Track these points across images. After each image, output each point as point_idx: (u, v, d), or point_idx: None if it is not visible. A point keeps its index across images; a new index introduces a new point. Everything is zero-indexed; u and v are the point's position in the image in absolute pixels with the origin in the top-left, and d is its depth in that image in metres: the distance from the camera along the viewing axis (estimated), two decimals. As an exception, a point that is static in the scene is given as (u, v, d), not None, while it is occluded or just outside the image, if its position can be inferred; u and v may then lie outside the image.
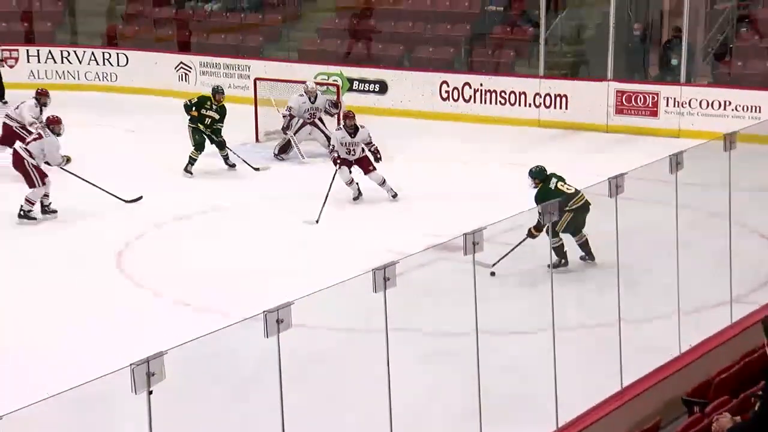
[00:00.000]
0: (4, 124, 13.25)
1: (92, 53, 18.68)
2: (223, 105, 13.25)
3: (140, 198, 11.65)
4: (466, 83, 16.37)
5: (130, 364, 4.54)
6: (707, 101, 14.98)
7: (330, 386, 7.23)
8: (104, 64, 18.62)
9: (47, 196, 11.30)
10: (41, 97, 13.35)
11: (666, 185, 7.17)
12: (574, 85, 15.89)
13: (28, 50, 18.66)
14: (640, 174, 7.01)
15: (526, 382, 7.20)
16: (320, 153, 13.81)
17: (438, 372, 7.50)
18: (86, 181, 11.56)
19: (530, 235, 9.27)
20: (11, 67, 17.86)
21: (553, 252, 8.97)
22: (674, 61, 15.59)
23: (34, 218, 11.24)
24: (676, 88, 15.23)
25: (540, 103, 15.87)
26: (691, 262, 7.56)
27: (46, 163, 11.33)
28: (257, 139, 14.81)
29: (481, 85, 16.27)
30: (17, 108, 13.28)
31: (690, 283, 7.34)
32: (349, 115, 12.11)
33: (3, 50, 17.41)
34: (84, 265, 9.99)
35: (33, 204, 11.20)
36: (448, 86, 16.48)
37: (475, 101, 16.28)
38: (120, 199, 11.59)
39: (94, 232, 10.93)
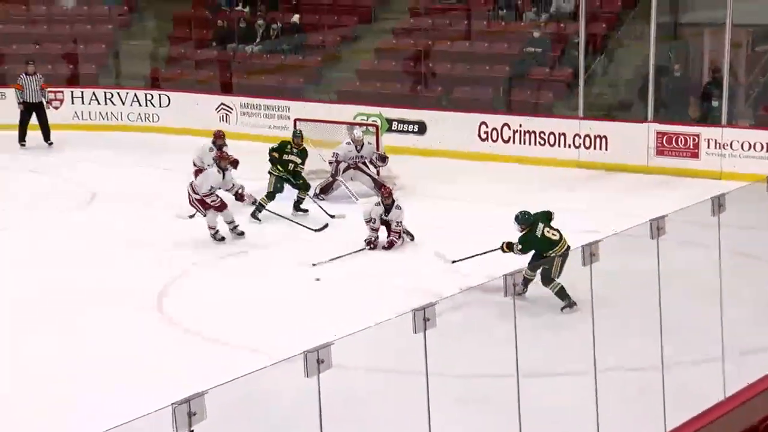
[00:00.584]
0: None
1: (135, 95, 18.99)
2: (304, 148, 13.44)
3: (326, 226, 11.99)
4: (505, 124, 16.42)
5: (172, 404, 4.58)
6: (749, 143, 14.90)
7: (368, 429, 7.21)
8: (147, 105, 18.90)
9: (232, 221, 11.99)
10: (217, 140, 13.59)
11: (708, 228, 7.13)
12: (615, 126, 15.87)
13: (72, 92, 18.99)
14: (682, 216, 6.98)
15: (567, 427, 7.14)
16: (366, 192, 13.90)
17: (477, 416, 7.46)
18: (276, 214, 12.14)
19: (502, 248, 9.91)
20: (56, 108, 18.19)
21: (557, 297, 9.42)
22: (715, 103, 15.54)
23: (222, 238, 11.93)
24: (717, 129, 15.17)
25: (580, 144, 15.86)
26: (733, 307, 7.49)
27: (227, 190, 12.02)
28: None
29: (521, 125, 16.30)
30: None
31: (733, 328, 7.27)
32: (387, 193, 11.94)
33: (49, 92, 17.73)
34: (124, 303, 10.07)
35: (212, 228, 11.89)
36: (486, 127, 16.52)
37: (514, 142, 16.31)
38: (309, 228, 11.86)
39: (136, 270, 11.03)
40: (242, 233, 12.15)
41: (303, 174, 13.41)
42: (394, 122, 17.14)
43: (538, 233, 9.75)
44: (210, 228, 11.96)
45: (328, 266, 11.18)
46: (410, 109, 17.28)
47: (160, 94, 18.87)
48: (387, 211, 11.72)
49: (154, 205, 13.26)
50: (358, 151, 14.00)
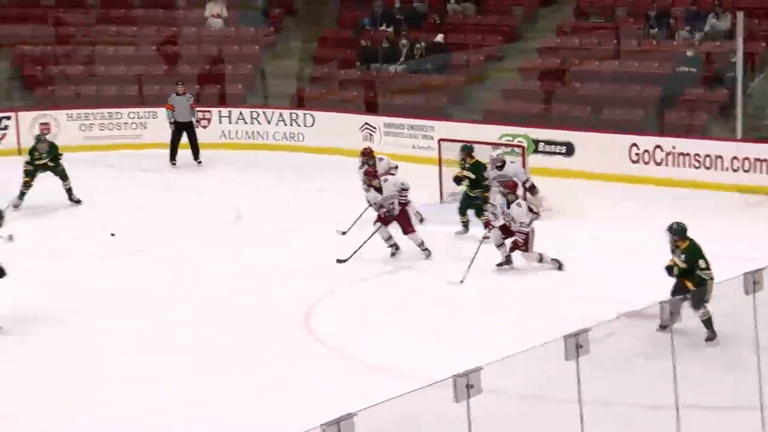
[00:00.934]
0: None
1: (280, 114, 19.42)
2: (477, 162, 13.51)
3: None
4: (658, 146, 16.06)
5: (321, 425, 4.63)
6: None
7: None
8: (292, 124, 19.29)
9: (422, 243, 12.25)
10: (363, 158, 13.81)
11: None
12: (777, 150, 15.32)
13: (220, 111, 19.56)
14: None
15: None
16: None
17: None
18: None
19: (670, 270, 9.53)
20: (204, 127, 18.76)
21: (703, 325, 9.15)
22: None
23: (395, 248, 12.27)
24: None
25: (738, 168, 15.37)
26: None
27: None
28: (441, 200, 14.94)
29: (674, 147, 15.93)
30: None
31: None
32: (510, 186, 12.27)
33: (198, 111, 18.28)
34: (272, 322, 10.25)
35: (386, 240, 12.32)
36: (638, 148, 16.21)
37: (666, 164, 15.95)
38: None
39: (282, 289, 11.22)
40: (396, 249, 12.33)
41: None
42: (540, 143, 17.00)
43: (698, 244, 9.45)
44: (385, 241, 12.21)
45: (478, 287, 11.13)
46: (557, 129, 17.11)
47: (305, 114, 19.25)
48: (508, 204, 11.95)
49: (297, 225, 13.47)
50: (500, 170, 13.90)
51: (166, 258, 12.56)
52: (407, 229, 12.30)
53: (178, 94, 17.83)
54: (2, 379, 9.02)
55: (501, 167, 13.80)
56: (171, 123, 17.73)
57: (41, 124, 18.85)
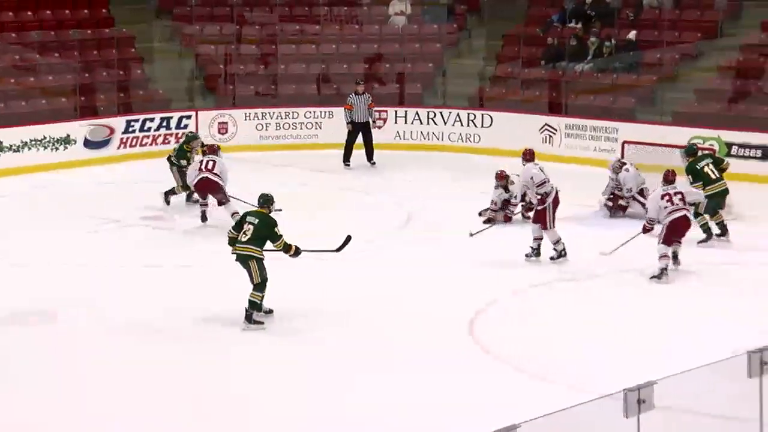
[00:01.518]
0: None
1: (458, 114, 19.44)
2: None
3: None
4: None
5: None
6: None
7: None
8: (468, 125, 19.28)
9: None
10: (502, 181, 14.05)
11: None
12: None
13: (396, 111, 19.76)
14: None
15: None
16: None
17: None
18: None
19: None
20: (379, 128, 18.95)
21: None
22: None
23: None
24: None
25: None
26: None
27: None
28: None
29: None
30: None
31: None
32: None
33: (375, 111, 18.48)
34: (436, 327, 10.24)
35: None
36: None
37: None
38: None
39: (447, 294, 11.23)
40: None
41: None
42: (734, 146, 16.38)
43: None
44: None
45: (654, 296, 10.88)
46: (753, 131, 16.45)
47: (482, 114, 19.18)
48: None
49: (462, 228, 13.41)
50: (615, 174, 14.09)
51: (331, 259, 12.73)
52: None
53: (357, 94, 18.07)
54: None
55: (617, 171, 14.04)
56: (348, 123, 17.99)
57: (219, 123, 19.55)
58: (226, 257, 10.32)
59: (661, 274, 11.37)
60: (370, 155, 18.11)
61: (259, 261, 10.06)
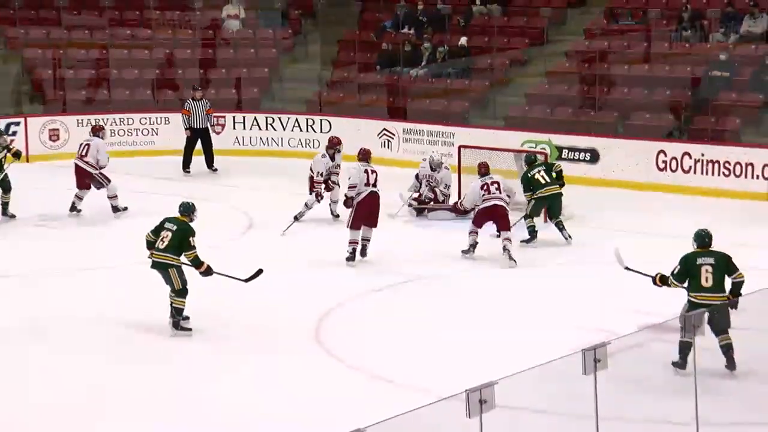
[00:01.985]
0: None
1: (296, 119, 19.49)
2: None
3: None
4: (686, 153, 16.03)
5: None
6: None
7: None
8: (308, 130, 19.37)
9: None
10: (335, 147, 14.59)
11: None
12: (811, 156, 15.26)
13: (234, 117, 19.65)
14: None
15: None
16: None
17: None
18: None
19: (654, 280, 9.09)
20: (218, 133, 18.80)
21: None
22: None
23: None
24: None
25: (770, 176, 15.34)
26: None
27: None
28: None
29: (703, 155, 15.90)
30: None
31: None
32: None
33: (213, 116, 18.30)
34: (282, 334, 10.28)
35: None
36: (665, 156, 16.19)
37: (695, 172, 15.91)
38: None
39: (292, 300, 11.26)
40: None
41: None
42: (564, 150, 16.99)
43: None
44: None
45: (495, 296, 11.22)
46: (582, 135, 17.11)
47: (321, 119, 19.31)
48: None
49: (306, 233, 13.50)
50: (433, 170, 14.68)
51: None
52: None
53: (194, 100, 17.87)
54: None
55: (437, 171, 14.63)
56: (186, 129, 17.76)
57: (50, 130, 19.01)
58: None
59: (468, 249, 12.55)
60: (210, 162, 17.93)
61: (178, 268, 9.99)
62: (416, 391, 8.48)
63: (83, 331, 10.32)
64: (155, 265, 10.06)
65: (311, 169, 14.45)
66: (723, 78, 17.14)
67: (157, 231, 10.09)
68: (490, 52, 19.75)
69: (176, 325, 10.12)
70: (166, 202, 15.70)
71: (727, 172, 15.67)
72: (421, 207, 14.75)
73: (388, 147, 18.44)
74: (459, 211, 13.72)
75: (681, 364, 8.16)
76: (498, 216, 12.46)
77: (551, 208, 13.51)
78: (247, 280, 10.36)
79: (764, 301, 8.33)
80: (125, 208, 14.89)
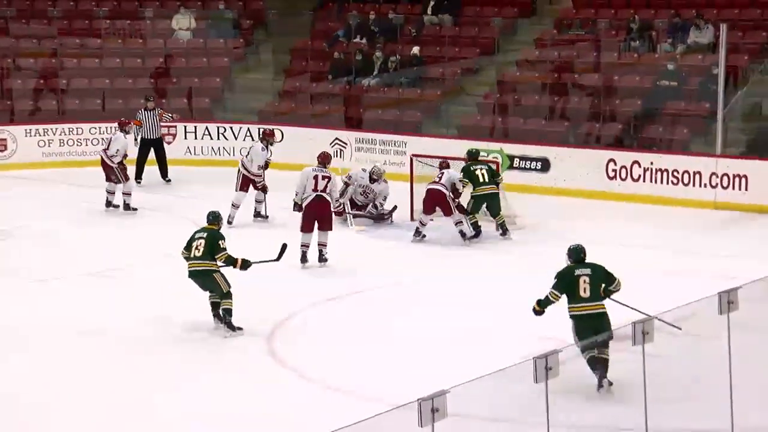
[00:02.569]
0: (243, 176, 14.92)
1: (248, 129, 19.43)
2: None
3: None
4: (635, 161, 16.21)
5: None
6: None
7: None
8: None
9: None
10: (270, 138, 15.21)
11: None
12: (756, 165, 15.49)
13: (186, 126, 19.54)
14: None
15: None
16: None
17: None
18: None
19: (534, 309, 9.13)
20: (169, 143, 18.67)
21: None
22: None
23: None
24: None
25: (717, 184, 15.52)
26: None
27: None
28: (412, 218, 14.96)
29: (652, 163, 16.08)
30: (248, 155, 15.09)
31: None
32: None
33: (162, 126, 18.15)
34: (233, 344, 10.24)
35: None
36: (615, 164, 16.35)
37: (644, 180, 16.09)
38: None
39: (245, 311, 11.21)
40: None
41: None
42: (516, 159, 17.10)
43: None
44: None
45: (450, 306, 11.23)
46: (533, 145, 17.23)
47: (273, 129, 19.21)
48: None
49: (260, 243, 13.41)
50: (370, 182, 14.84)
51: (126, 279, 12.55)
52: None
53: (147, 110, 17.73)
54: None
55: (376, 182, 14.79)
56: (136, 140, 17.61)
57: (-2, 139, 18.83)
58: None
59: (416, 234, 13.79)
60: (164, 172, 17.80)
61: (220, 273, 10.39)
62: (368, 401, 8.47)
63: (34, 339, 10.24)
64: (193, 274, 10.42)
65: (243, 165, 14.90)
66: (671, 87, 17.36)
67: (189, 245, 10.48)
68: (442, 62, 19.84)
69: (230, 326, 10.39)
70: (116, 212, 15.75)
71: (675, 181, 15.88)
72: (361, 214, 14.86)
73: (341, 156, 18.44)
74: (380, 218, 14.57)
75: (602, 381, 8.23)
76: (436, 200, 13.69)
77: (490, 207, 13.94)
78: (278, 259, 10.97)
79: (710, 309, 8.43)
80: (135, 209, 15.39)
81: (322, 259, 12.74)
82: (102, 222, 15.18)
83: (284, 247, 11.01)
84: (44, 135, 19.09)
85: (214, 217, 10.71)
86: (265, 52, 21.61)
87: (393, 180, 15.46)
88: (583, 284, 8.68)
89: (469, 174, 13.86)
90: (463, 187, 13.91)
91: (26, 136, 18.90)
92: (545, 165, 16.95)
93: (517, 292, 11.77)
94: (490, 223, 14.08)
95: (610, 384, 8.24)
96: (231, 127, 19.54)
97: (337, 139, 18.73)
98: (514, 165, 17.02)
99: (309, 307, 11.36)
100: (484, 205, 13.89)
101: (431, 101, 19.38)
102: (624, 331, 7.45)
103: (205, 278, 10.39)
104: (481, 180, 13.82)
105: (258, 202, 15.05)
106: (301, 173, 12.96)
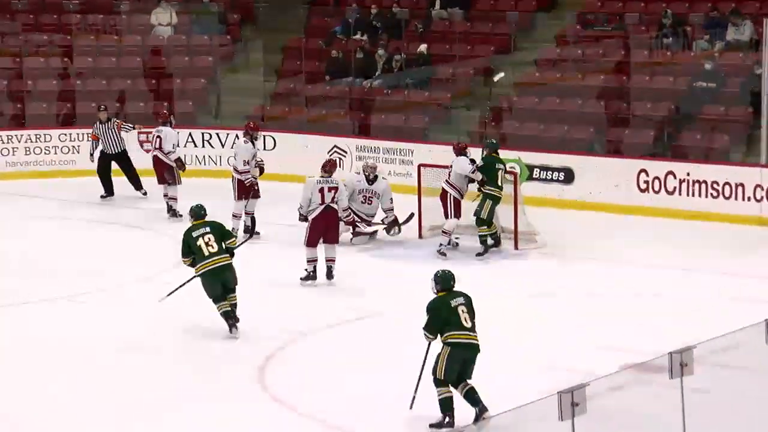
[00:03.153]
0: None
1: (236, 135, 19.35)
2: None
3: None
4: (670, 172, 16.21)
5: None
6: None
7: None
8: (250, 148, 19.28)
9: None
10: (254, 132, 15.31)
11: None
12: (806, 176, 15.49)
13: (167, 133, 19.51)
14: None
15: None
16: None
17: None
18: None
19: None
20: (147, 151, 18.59)
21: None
22: None
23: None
24: None
25: (762, 197, 15.51)
26: None
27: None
28: (420, 235, 14.92)
29: (688, 174, 16.07)
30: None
31: None
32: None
33: (140, 133, 18.12)
34: (225, 374, 10.29)
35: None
36: (647, 175, 16.35)
37: (680, 193, 16.08)
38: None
39: (239, 339, 11.23)
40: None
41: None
42: (535, 169, 17.10)
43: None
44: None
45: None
46: (555, 153, 17.23)
47: (264, 136, 19.20)
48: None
49: (257, 260, 13.45)
50: (369, 184, 14.77)
51: (104, 299, 12.58)
52: None
53: (101, 122, 17.41)
54: None
55: (372, 182, 14.77)
56: (91, 154, 17.41)
57: (-43, 147, 18.87)
58: None
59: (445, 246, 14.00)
60: (137, 184, 17.65)
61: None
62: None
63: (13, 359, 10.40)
64: (219, 272, 10.84)
65: (233, 168, 15.05)
66: (709, 89, 17.36)
67: (190, 247, 10.86)
68: (452, 61, 19.86)
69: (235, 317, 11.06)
70: (78, 226, 15.74)
71: (715, 194, 15.86)
72: (361, 230, 14.79)
73: (341, 166, 18.42)
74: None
75: (445, 422, 8.22)
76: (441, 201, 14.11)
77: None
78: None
79: (757, 338, 8.41)
80: (180, 216, 15.60)
81: (330, 275, 12.82)
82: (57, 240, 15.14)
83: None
84: (8, 142, 19.12)
85: (201, 209, 11.11)
86: (255, 51, 21.62)
87: (398, 192, 15.46)
88: (463, 314, 8.64)
89: (489, 170, 13.95)
90: (476, 180, 13.97)
91: (-12, 142, 18.95)
92: (568, 176, 16.95)
93: (534, 316, 11.80)
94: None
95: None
96: (217, 134, 19.54)
97: (335, 146, 18.70)
98: (534, 176, 17.01)
99: (306, 336, 11.37)
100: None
101: (440, 105, 19.37)
102: (660, 362, 7.43)
103: (231, 272, 10.87)
104: (499, 183, 13.96)
105: (247, 214, 14.95)
106: (305, 185, 12.94)
